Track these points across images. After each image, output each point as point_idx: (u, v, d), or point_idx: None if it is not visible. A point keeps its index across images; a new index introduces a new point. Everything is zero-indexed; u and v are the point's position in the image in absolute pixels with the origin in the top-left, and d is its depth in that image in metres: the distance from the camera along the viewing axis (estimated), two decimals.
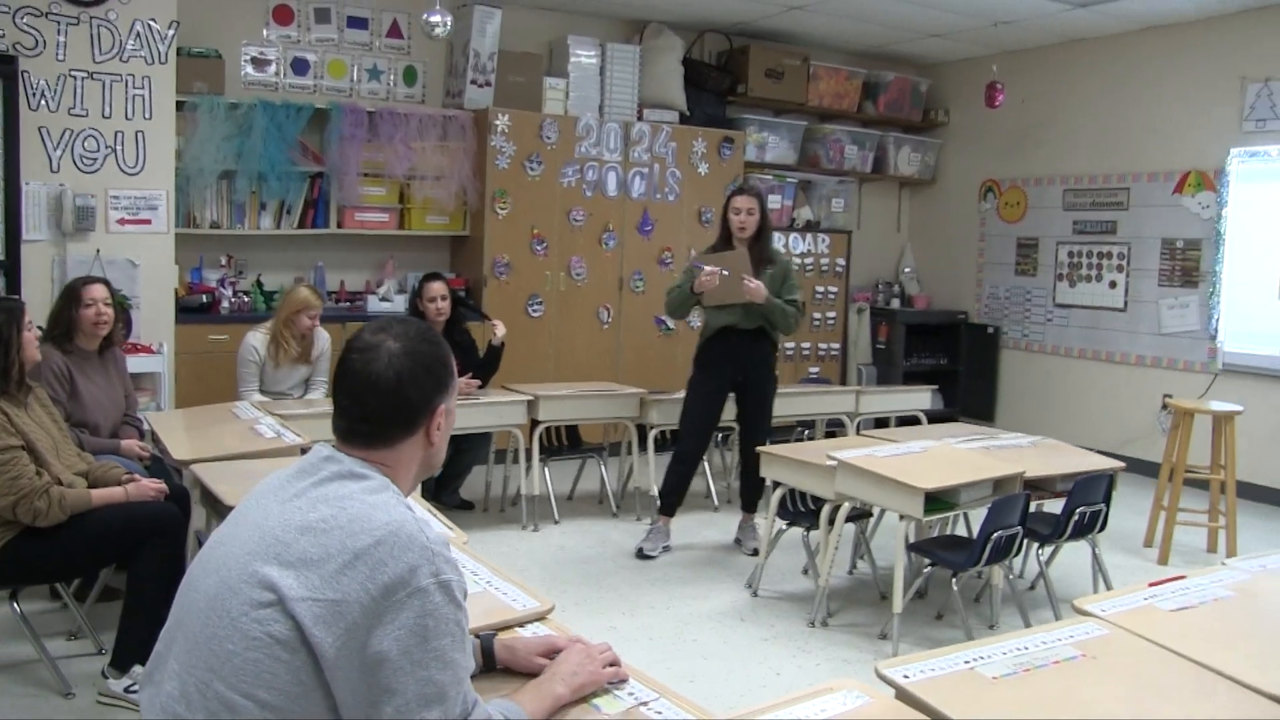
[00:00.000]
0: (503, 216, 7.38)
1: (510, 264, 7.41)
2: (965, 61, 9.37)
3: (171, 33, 6.11)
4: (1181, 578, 2.90)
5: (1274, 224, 7.34)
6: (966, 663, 2.22)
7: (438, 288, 6.00)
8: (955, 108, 9.60)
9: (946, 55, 9.31)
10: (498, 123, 7.30)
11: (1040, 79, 8.81)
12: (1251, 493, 7.10)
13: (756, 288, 5.27)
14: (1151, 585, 2.82)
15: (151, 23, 6.04)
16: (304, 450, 4.19)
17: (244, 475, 3.65)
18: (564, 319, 7.63)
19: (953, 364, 9.44)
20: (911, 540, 4.61)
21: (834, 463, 4.49)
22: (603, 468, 6.55)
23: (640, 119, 7.95)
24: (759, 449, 5.09)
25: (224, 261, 7.05)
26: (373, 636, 1.55)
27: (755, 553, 5.44)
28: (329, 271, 7.33)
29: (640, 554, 5.53)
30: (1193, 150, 7.80)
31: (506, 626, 2.25)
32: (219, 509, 3.65)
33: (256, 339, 5.77)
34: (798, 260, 8.74)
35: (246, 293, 7.04)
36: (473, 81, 7.35)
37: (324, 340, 5.93)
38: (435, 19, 6.28)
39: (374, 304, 7.27)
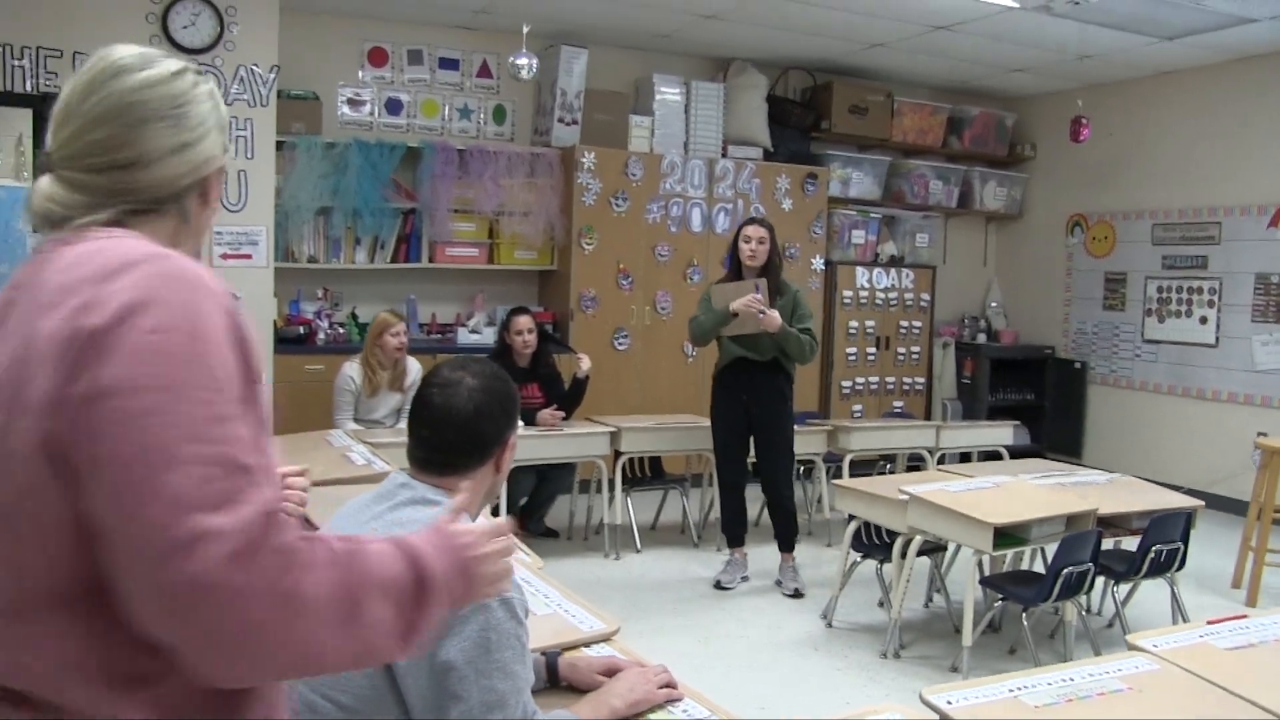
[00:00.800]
0: (589, 252, 7.56)
1: (596, 298, 7.58)
2: (1050, 95, 9.36)
3: (272, 76, 6.41)
4: (1243, 616, 2.92)
5: None
6: (1011, 691, 2.29)
7: (524, 321, 6.19)
8: (1041, 142, 9.58)
9: (1031, 89, 9.31)
10: (584, 160, 7.49)
11: (1126, 112, 8.76)
12: None
13: (771, 317, 5.31)
14: (1210, 622, 2.84)
15: (254, 67, 6.35)
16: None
17: (335, 501, 3.83)
18: (649, 352, 7.77)
19: (1039, 399, 9.38)
20: (984, 574, 4.63)
21: (906, 496, 4.55)
22: (684, 499, 6.66)
23: (725, 155, 8.08)
24: (839, 484, 5.15)
25: (320, 294, 7.32)
26: (440, 647, 1.70)
27: (797, 594, 5.50)
28: (421, 304, 7.56)
29: (718, 585, 5.62)
30: None
31: (573, 646, 2.38)
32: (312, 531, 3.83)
33: (352, 369, 6.02)
34: (882, 295, 8.78)
35: (342, 324, 7.30)
36: (560, 120, 7.57)
37: (416, 370, 6.15)
38: (521, 61, 6.52)
39: (464, 336, 7.48)
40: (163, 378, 1.13)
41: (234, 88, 6.32)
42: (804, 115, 8.55)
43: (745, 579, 5.71)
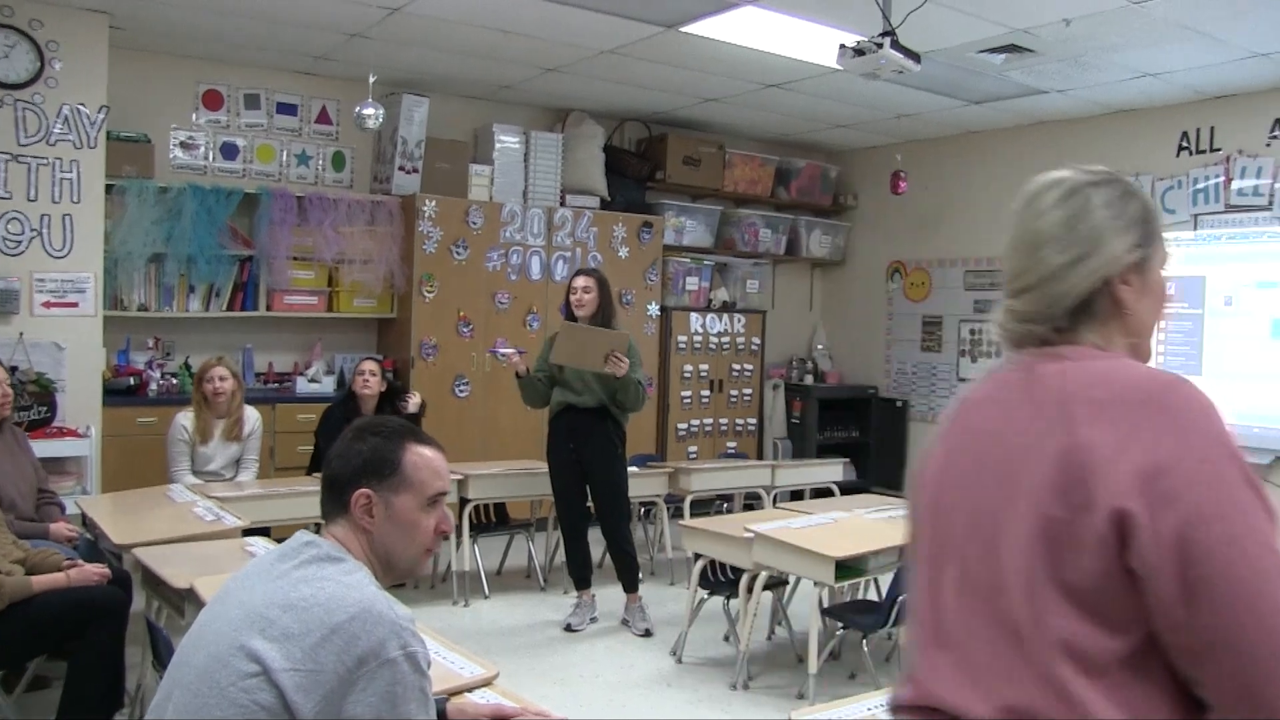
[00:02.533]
0: (430, 299, 7.61)
1: (437, 345, 7.63)
2: (871, 149, 9.88)
3: (101, 117, 6.28)
4: None
5: None
6: (869, 709, 2.49)
7: (369, 365, 6.23)
8: (863, 193, 10.09)
9: (853, 143, 9.82)
10: (425, 208, 7.55)
11: (940, 166, 9.33)
12: None
13: (622, 368, 5.48)
14: None
15: (81, 107, 6.21)
16: (246, 532, 4.37)
17: (189, 558, 3.80)
18: (490, 399, 7.84)
19: (864, 436, 9.81)
20: (825, 605, 4.88)
21: (751, 534, 4.77)
22: (530, 543, 6.75)
23: (563, 204, 8.25)
24: (684, 525, 5.35)
25: (151, 344, 7.13)
26: (347, 702, 1.76)
27: (647, 633, 5.65)
28: (257, 353, 7.46)
29: (568, 628, 5.73)
30: None
31: (456, 692, 2.48)
32: (163, 592, 3.78)
33: (185, 418, 5.81)
34: (715, 340, 9.09)
35: (174, 375, 7.09)
36: (400, 168, 7.62)
37: (254, 419, 6.01)
38: (368, 111, 6.54)
39: (302, 385, 7.41)
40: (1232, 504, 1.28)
41: (57, 127, 6.17)
42: (640, 166, 8.81)
43: (594, 620, 5.83)
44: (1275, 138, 7.26)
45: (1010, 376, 1.54)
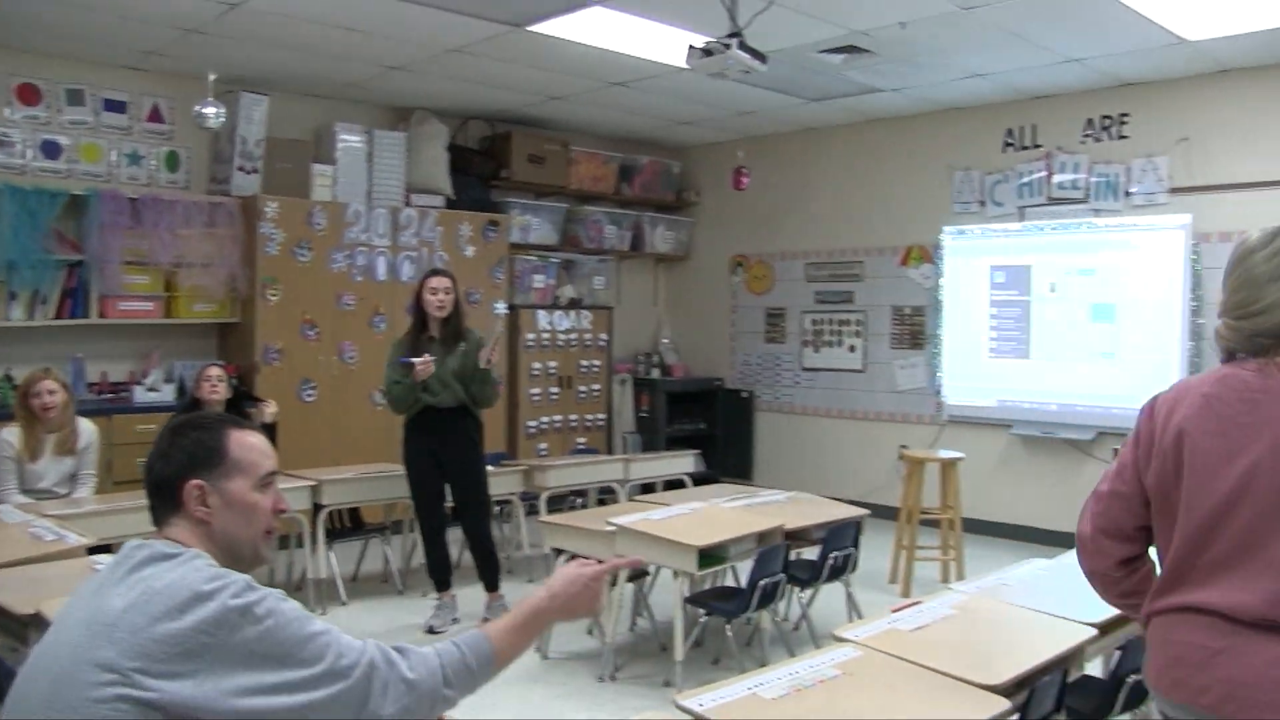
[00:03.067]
0: (273, 303, 7.43)
1: (282, 350, 7.47)
2: (714, 146, 10.08)
3: None
4: (918, 603, 3.39)
5: (979, 291, 8.24)
6: (749, 689, 2.59)
7: (214, 371, 6.04)
8: (705, 189, 10.28)
9: (696, 140, 9.99)
10: (266, 210, 7.38)
11: (782, 162, 9.58)
12: (975, 527, 7.88)
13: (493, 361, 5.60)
14: (893, 611, 3.29)
15: None
16: (91, 550, 4.19)
17: (31, 582, 3.64)
18: (337, 402, 7.72)
19: (711, 428, 10.01)
20: (687, 594, 4.98)
21: (613, 528, 4.84)
22: (386, 547, 6.69)
23: (408, 204, 8.17)
24: (545, 521, 5.40)
25: None
26: (218, 675, 1.70)
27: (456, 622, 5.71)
28: (90, 363, 7.12)
29: (430, 630, 5.70)
30: (913, 227, 8.68)
31: None
32: (5, 620, 3.64)
33: (10, 434, 5.52)
34: (563, 337, 9.14)
35: None
36: (240, 168, 7.41)
37: (89, 432, 5.75)
38: (209, 110, 6.33)
39: (140, 394, 7.15)
40: None
41: None
42: (484, 164, 8.80)
43: (456, 621, 5.82)
44: (1088, 136, 7.72)
45: (1245, 374, 2.07)
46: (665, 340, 10.46)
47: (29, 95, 7.05)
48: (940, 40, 6.49)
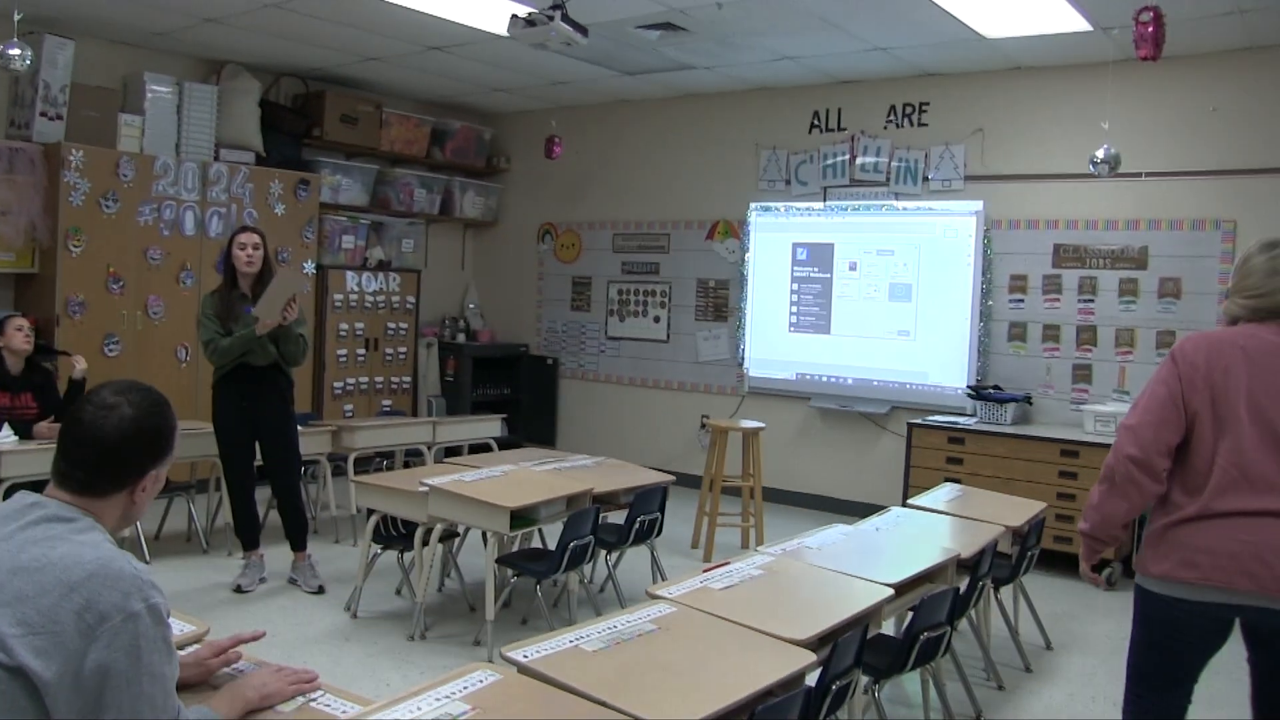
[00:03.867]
0: (77, 254, 7.14)
1: (85, 303, 7.19)
2: (526, 114, 10.13)
3: None
4: (726, 564, 3.60)
5: (782, 268, 8.58)
6: (571, 642, 2.73)
7: (22, 321, 5.81)
8: (516, 156, 10.33)
9: (508, 107, 10.02)
10: (71, 158, 7.07)
11: (593, 133, 9.71)
12: (775, 496, 8.26)
13: (295, 314, 5.49)
14: (705, 571, 3.50)
15: None
16: None
17: None
18: (142, 358, 7.48)
19: (516, 394, 10.11)
20: (498, 555, 5.10)
21: (426, 489, 4.91)
22: (190, 505, 6.56)
23: (217, 159, 7.96)
24: (357, 480, 5.42)
25: None
26: (88, 660, 1.75)
27: (320, 590, 5.68)
28: None
29: (238, 589, 5.65)
30: (721, 202, 8.95)
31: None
32: None
33: None
34: (371, 299, 9.07)
35: None
36: (43, 114, 7.07)
37: None
38: (14, 52, 5.96)
39: None
40: None
41: None
42: (296, 122, 8.62)
43: (263, 580, 5.78)
44: (890, 122, 8.12)
45: (1267, 334, 2.85)
46: (472, 305, 10.49)
47: None
48: (754, 22, 6.72)
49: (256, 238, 5.63)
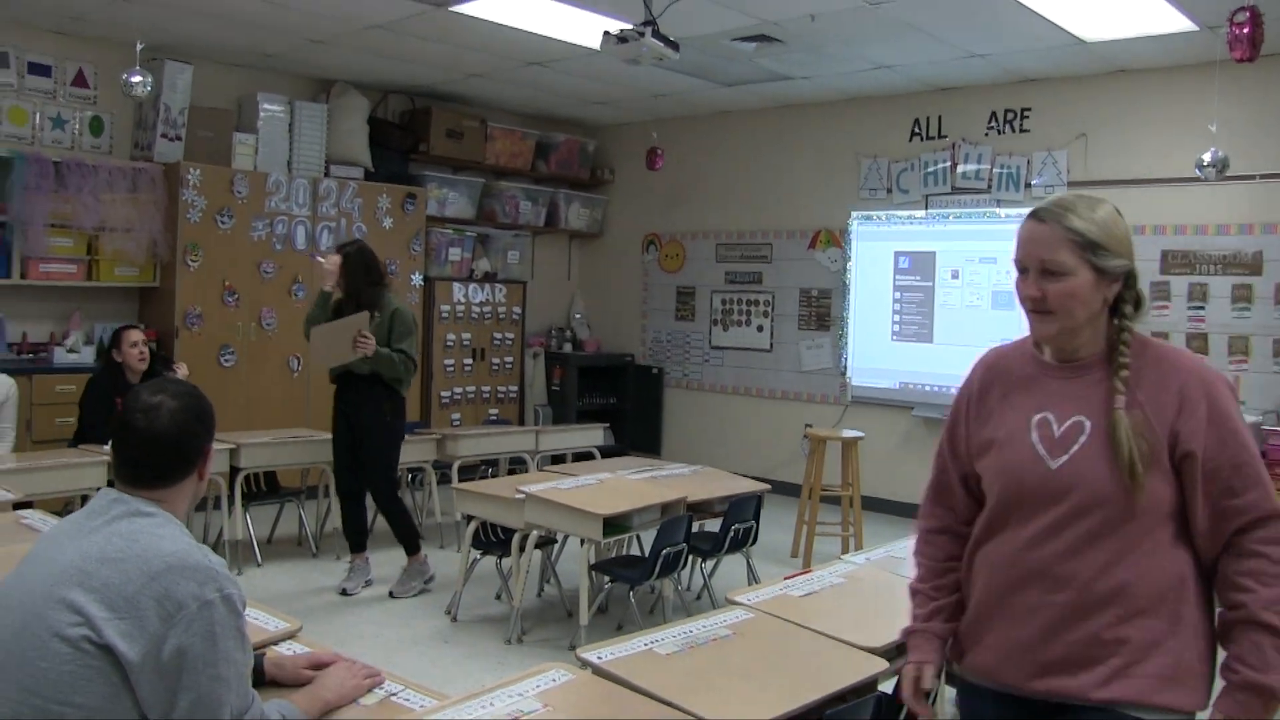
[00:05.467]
0: (194, 269, 7.49)
1: (202, 315, 7.53)
2: (628, 125, 10.26)
3: None
4: (809, 572, 3.64)
5: (885, 277, 8.55)
6: (645, 645, 2.81)
7: (136, 334, 6.10)
8: (619, 167, 10.47)
9: (610, 120, 10.17)
10: (189, 177, 7.42)
11: (695, 144, 9.80)
12: (878, 505, 8.23)
13: (370, 344, 5.61)
14: (785, 579, 3.54)
15: None
16: (17, 506, 4.29)
17: None
18: (255, 368, 7.81)
19: (621, 403, 10.23)
20: (593, 561, 5.20)
21: (522, 496, 5.04)
22: (301, 511, 6.81)
23: (327, 175, 8.25)
24: (457, 488, 5.59)
25: None
26: (167, 644, 1.90)
27: (424, 590, 5.89)
28: (10, 323, 7.11)
29: (344, 592, 5.85)
30: (822, 211, 8.96)
31: (262, 645, 2.64)
32: None
33: None
34: (477, 309, 9.29)
35: None
36: (163, 135, 7.45)
37: (6, 386, 5.81)
38: (136, 79, 6.32)
39: (61, 356, 7.16)
40: None
41: None
42: (403, 138, 8.89)
43: (369, 583, 5.97)
44: (992, 128, 8.04)
45: None
46: (578, 315, 10.65)
47: None
48: (848, 32, 6.74)
49: (337, 258, 5.79)
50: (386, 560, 6.13)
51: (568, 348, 10.28)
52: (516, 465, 7.74)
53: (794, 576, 3.57)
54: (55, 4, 6.71)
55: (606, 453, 8.04)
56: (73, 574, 1.94)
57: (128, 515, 2.05)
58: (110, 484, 2.16)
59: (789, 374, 9.27)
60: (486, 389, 9.43)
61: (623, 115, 9.91)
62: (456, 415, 9.15)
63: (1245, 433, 2.01)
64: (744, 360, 9.57)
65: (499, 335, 9.53)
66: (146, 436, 2.12)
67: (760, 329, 9.46)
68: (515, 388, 9.71)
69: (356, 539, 6.04)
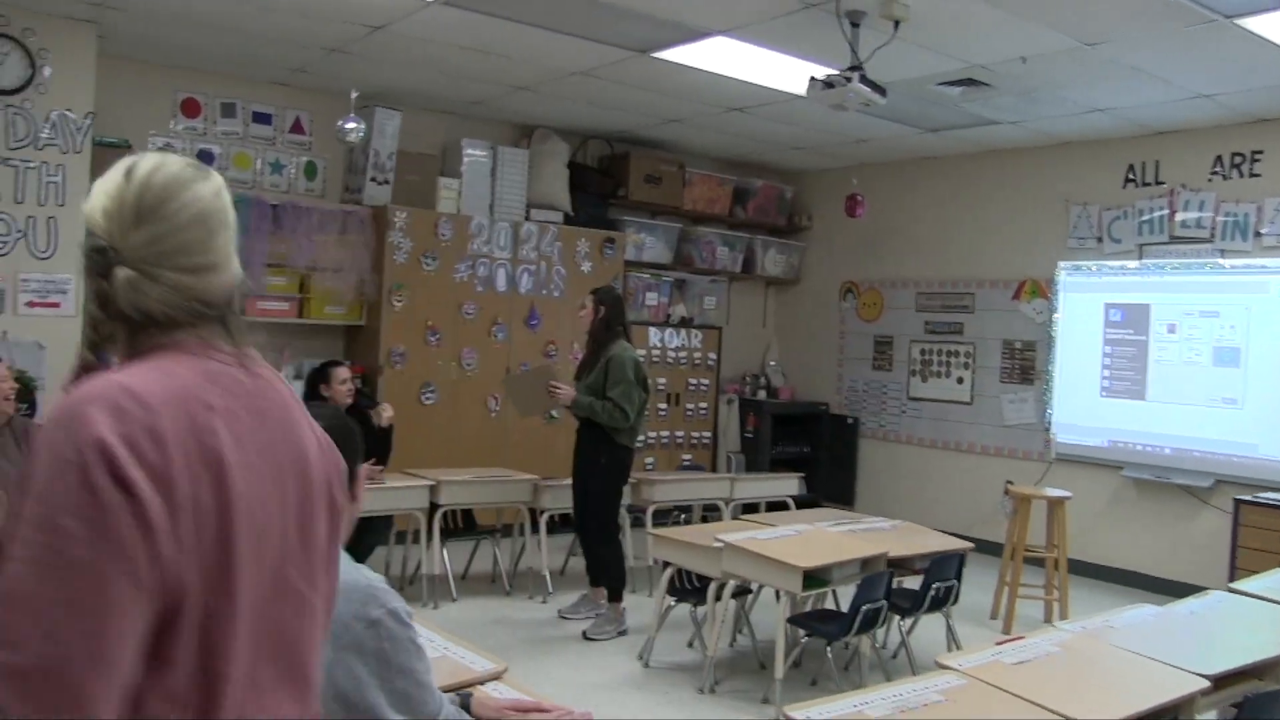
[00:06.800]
0: (399, 308, 7.74)
1: (405, 353, 7.76)
2: (826, 172, 10.17)
3: (88, 123, 6.36)
4: (1021, 638, 3.46)
5: (1095, 329, 8.19)
6: (855, 706, 2.71)
7: (345, 371, 6.32)
8: (817, 213, 10.37)
9: (809, 165, 10.09)
10: (396, 219, 7.70)
11: (895, 190, 9.62)
12: (1080, 568, 7.82)
13: (564, 394, 5.98)
14: (997, 644, 3.37)
15: (68, 113, 6.29)
16: None
17: None
18: (456, 407, 7.99)
19: (814, 452, 10.06)
20: (789, 614, 5.09)
21: (721, 545, 4.97)
22: (496, 549, 6.91)
23: (528, 218, 8.43)
24: (655, 534, 5.65)
25: None
26: (340, 667, 1.91)
27: (622, 634, 5.93)
28: None
29: (584, 635, 5.93)
30: (1028, 261, 8.65)
31: (468, 684, 2.64)
32: None
33: None
34: (673, 354, 9.31)
35: None
36: (372, 179, 7.75)
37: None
38: (351, 125, 6.67)
39: None
40: None
41: (45, 132, 6.24)
42: (603, 182, 9.01)
43: (623, 633, 5.98)
44: (1216, 173, 7.61)
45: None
46: (772, 363, 10.56)
47: (191, 108, 7.54)
48: (1060, 75, 6.51)
49: (587, 301, 6.25)
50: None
51: (762, 394, 10.19)
52: (709, 512, 7.68)
53: (1005, 642, 3.40)
54: (280, 58, 7.09)
55: (800, 503, 7.90)
56: None
57: None
58: None
59: (989, 428, 8.95)
60: (681, 434, 9.42)
61: (821, 161, 9.82)
62: (650, 460, 9.16)
63: None
64: (942, 412, 9.30)
65: (694, 381, 9.52)
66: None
67: (960, 381, 9.18)
68: (709, 434, 9.67)
69: (596, 581, 6.18)
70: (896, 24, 5.31)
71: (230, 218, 1.50)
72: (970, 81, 6.73)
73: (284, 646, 1.38)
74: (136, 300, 1.34)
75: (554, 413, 6.49)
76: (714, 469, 9.52)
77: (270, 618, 1.34)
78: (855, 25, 5.43)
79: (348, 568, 2.03)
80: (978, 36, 5.83)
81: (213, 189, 1.48)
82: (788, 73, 6.59)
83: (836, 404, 10.15)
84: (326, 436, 1.53)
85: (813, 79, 5.47)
